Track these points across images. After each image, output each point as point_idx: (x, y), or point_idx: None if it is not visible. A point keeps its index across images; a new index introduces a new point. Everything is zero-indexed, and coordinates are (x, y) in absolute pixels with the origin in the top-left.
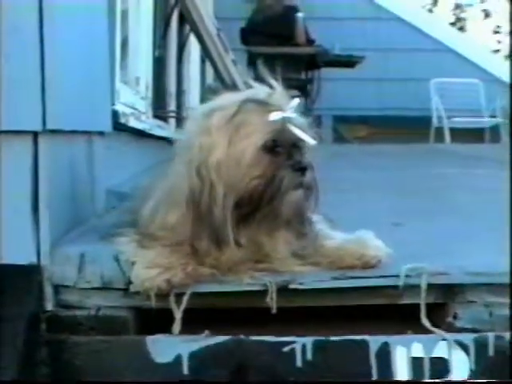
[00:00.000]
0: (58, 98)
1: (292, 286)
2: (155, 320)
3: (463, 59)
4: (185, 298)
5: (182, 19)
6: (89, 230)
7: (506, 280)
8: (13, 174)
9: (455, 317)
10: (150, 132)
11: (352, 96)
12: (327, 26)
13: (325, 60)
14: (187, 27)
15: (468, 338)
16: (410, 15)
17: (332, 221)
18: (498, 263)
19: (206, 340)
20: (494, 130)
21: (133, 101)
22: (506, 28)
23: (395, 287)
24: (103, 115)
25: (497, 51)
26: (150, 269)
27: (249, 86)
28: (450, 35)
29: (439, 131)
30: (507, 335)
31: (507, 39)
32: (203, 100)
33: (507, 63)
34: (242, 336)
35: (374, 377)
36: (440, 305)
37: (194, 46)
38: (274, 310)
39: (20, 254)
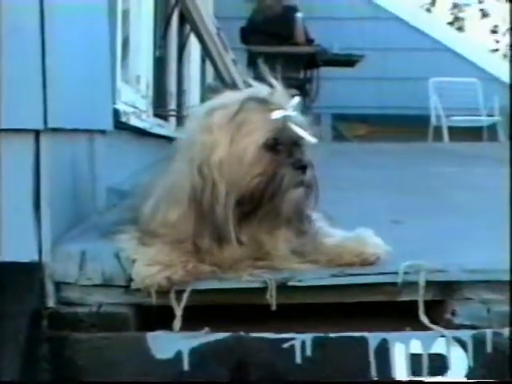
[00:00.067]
0: (59, 97)
1: (291, 283)
2: (156, 317)
3: (461, 58)
4: (185, 295)
5: (183, 19)
6: (90, 227)
7: (504, 277)
8: (14, 172)
9: (453, 314)
10: (151, 130)
11: (351, 95)
12: (326, 26)
13: (324, 59)
14: (187, 27)
15: (466, 335)
16: (408, 15)
17: (331, 218)
18: (495, 260)
19: (206, 336)
20: (492, 128)
21: (133, 99)
22: (503, 27)
23: (394, 284)
24: (104, 114)
25: (495, 51)
26: (150, 266)
27: (249, 85)
28: (448, 35)
29: (438, 130)
30: (505, 332)
31: (505, 39)
32: (203, 99)
33: (505, 62)
34: (241, 333)
35: (373, 373)
36: (438, 302)
37: (194, 46)
38: (274, 307)
39: (22, 252)
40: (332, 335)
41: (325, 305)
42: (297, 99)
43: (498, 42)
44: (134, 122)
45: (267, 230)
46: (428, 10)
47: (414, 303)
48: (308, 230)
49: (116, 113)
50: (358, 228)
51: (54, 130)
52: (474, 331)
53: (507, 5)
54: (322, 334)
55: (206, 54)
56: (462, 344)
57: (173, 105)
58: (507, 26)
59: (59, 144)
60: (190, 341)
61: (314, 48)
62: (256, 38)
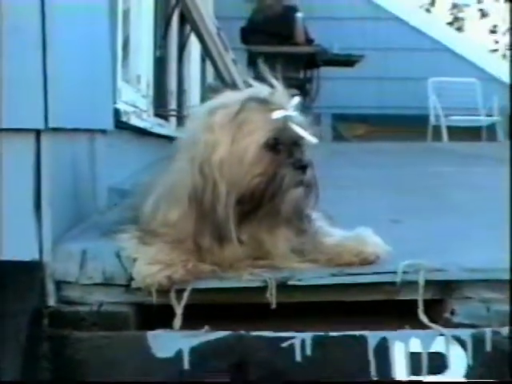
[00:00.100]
0: (59, 97)
1: (291, 282)
2: (156, 316)
3: (460, 58)
4: (185, 294)
5: (183, 19)
6: (91, 226)
7: (503, 276)
8: (15, 171)
9: (452, 312)
10: (151, 130)
11: (351, 95)
12: (326, 26)
13: (324, 59)
14: (188, 27)
15: (465, 334)
16: (408, 15)
17: (331, 218)
18: (495, 260)
19: (206, 335)
20: (491, 128)
21: (134, 99)
22: (502, 28)
23: (393, 283)
24: (105, 113)
25: (494, 51)
26: (151, 265)
27: (249, 85)
28: (448, 35)
29: (437, 129)
30: (504, 330)
31: (504, 39)
32: (203, 99)
33: (504, 62)
34: (241, 331)
35: (373, 372)
36: (437, 301)
37: (194, 46)
38: (274, 306)
39: (22, 251)
40: (332, 334)
41: (325, 304)
42: (297, 99)
43: (497, 42)
44: (134, 121)
45: (267, 229)
46: (428, 11)
47: (414, 302)
48: (308, 230)
49: (116, 112)
50: (358, 227)
51: (55, 129)
52: (473, 330)
53: (506, 5)
54: (322, 333)
55: (207, 53)
56: (462, 343)
57: (173, 104)
58: (506, 26)
59: (60, 144)
60: (191, 339)
61: (314, 48)
62: (256, 38)
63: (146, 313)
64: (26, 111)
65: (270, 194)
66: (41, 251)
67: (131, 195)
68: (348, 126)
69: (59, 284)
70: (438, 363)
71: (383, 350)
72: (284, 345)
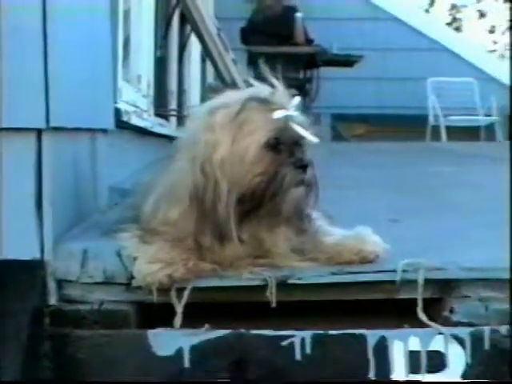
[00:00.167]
0: (61, 96)
1: (291, 281)
2: (157, 314)
3: (459, 59)
4: (186, 293)
5: (183, 19)
6: (91, 226)
7: (502, 275)
8: (16, 171)
9: (451, 311)
10: (152, 130)
11: (350, 95)
12: (326, 26)
13: (323, 59)
14: (188, 27)
15: (464, 332)
16: (407, 15)
17: (331, 217)
18: (493, 259)
19: (206, 334)
20: (490, 128)
21: (135, 99)
22: (501, 28)
23: (392, 282)
24: (106, 113)
25: (493, 51)
26: (151, 264)
27: (249, 85)
28: (447, 35)
29: (436, 129)
30: (502, 329)
31: (502, 39)
32: (204, 99)
33: (502, 63)
34: (241, 330)
35: (372, 370)
36: (436, 299)
37: (194, 46)
38: (274, 305)
39: (24, 250)
40: (331, 332)
41: (324, 302)
42: (298, 99)
43: (495, 42)
44: (135, 121)
45: (268, 228)
46: (426, 11)
47: (413, 301)
48: (308, 229)
49: (117, 112)
50: (357, 227)
51: (56, 128)
52: (471, 329)
53: (505, 5)
54: (322, 332)
55: (207, 53)
56: (460, 341)
57: (173, 104)
58: (505, 26)
59: (61, 143)
60: (191, 338)
61: (314, 48)
62: (256, 39)
63: (146, 311)
64: (28, 111)
65: (270, 193)
66: (42, 250)
67: (132, 194)
68: (347, 125)
69: (60, 283)
70: (437, 362)
71: (382, 348)
72: (284, 343)
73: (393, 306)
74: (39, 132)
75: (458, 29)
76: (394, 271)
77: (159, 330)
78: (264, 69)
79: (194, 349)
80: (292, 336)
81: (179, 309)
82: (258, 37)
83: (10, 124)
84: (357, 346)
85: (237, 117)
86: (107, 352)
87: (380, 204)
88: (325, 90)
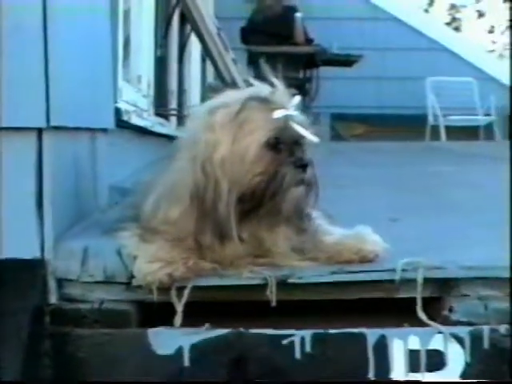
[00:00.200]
0: (61, 95)
1: (291, 280)
2: (157, 313)
3: (458, 58)
4: (186, 292)
5: (183, 19)
6: (92, 224)
7: (501, 274)
8: (17, 170)
9: (451, 310)
10: (152, 129)
11: (350, 94)
12: (325, 26)
13: (323, 59)
14: (188, 27)
15: (463, 331)
16: (406, 15)
17: (331, 216)
18: (493, 258)
19: (206, 332)
20: (489, 127)
21: (135, 99)
22: (500, 27)
23: (392, 281)
24: (106, 112)
25: (492, 51)
26: (151, 263)
27: (249, 85)
28: (446, 35)
29: (435, 129)
30: (502, 328)
31: (501, 38)
32: (204, 98)
33: (501, 62)
34: (241, 329)
35: (372, 369)
36: (436, 298)
37: (194, 46)
38: (274, 304)
39: (24, 249)
40: (331, 331)
41: (324, 301)
42: (297, 98)
43: (494, 42)
44: (135, 120)
45: (268, 227)
46: (426, 11)
47: (412, 300)
48: (308, 228)
49: (117, 111)
50: (357, 226)
51: (57, 128)
52: (471, 328)
53: (505, 5)
54: (322, 331)
55: (207, 53)
56: (460, 340)
57: (173, 104)
58: (504, 25)
59: (61, 142)
60: (191, 337)
61: (314, 48)
62: (256, 38)
63: (146, 310)
64: (28, 110)
65: (270, 192)
66: (42, 249)
67: (132, 194)
68: (347, 125)
69: (61, 282)
70: (436, 360)
71: (382, 347)
72: (284, 342)
73: (392, 305)
74: (40, 131)
75: (457, 29)
76: (394, 270)
77: (159, 329)
78: (265, 68)
79: (194, 348)
80: (292, 335)
81: (179, 308)
82: (258, 36)
83: (10, 123)
84: (357, 344)
85: (237, 116)
86: (107, 351)
87: (379, 203)
88: (324, 90)
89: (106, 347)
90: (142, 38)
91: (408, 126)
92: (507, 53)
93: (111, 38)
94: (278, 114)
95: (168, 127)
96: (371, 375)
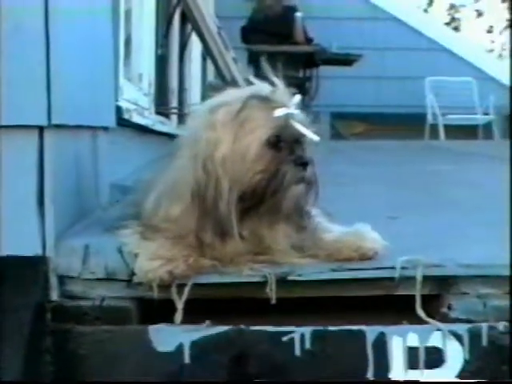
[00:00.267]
0: (63, 94)
1: (291, 278)
2: (158, 310)
3: (458, 58)
4: (186, 289)
5: (184, 18)
6: (93, 222)
7: (500, 272)
8: (18, 168)
9: (450, 308)
10: (153, 128)
11: (349, 93)
12: (325, 26)
13: (323, 58)
14: (189, 26)
15: (462, 329)
16: (405, 15)
17: (330, 214)
18: (491, 255)
19: (207, 330)
20: (487, 127)
21: (136, 97)
22: (499, 27)
23: (391, 279)
24: (107, 111)
25: (491, 51)
26: (152, 260)
27: (250, 83)
28: (445, 35)
29: (434, 128)
30: (500, 325)
31: (500, 38)
32: (204, 97)
33: (500, 62)
34: (242, 326)
35: (371, 366)
36: (435, 296)
37: (195, 45)
38: (274, 301)
39: (26, 246)
40: (331, 328)
41: (324, 299)
42: (298, 97)
43: (493, 42)
44: (136, 119)
45: (268, 225)
46: (425, 11)
47: (411, 297)
48: (307, 226)
49: (119, 110)
50: (356, 223)
51: (58, 126)
52: (469, 325)
53: (503, 4)
54: (321, 328)
55: (207, 52)
56: (458, 337)
57: (174, 102)
58: (503, 25)
59: (63, 140)
60: (191, 334)
61: (313, 47)
62: (256, 37)
63: (147, 307)
64: (30, 108)
65: (271, 190)
66: (44, 246)
67: (133, 192)
68: (346, 124)
69: (62, 279)
70: (435, 357)
71: (381, 344)
72: (284, 339)
73: (391, 303)
74: (41, 129)
75: (456, 28)
76: (393, 268)
77: (160, 326)
78: (265, 67)
79: (194, 344)
80: (292, 332)
81: (180, 305)
82: (259, 36)
83: (12, 121)
84: (356, 341)
85: (238, 115)
86: (108, 348)
87: (379, 201)
88: (324, 89)
89: (107, 344)
90: (143, 37)
91: (407, 124)
92: (506, 52)
93: (112, 37)
94: (279, 112)
95: (169, 125)
96: (370, 372)
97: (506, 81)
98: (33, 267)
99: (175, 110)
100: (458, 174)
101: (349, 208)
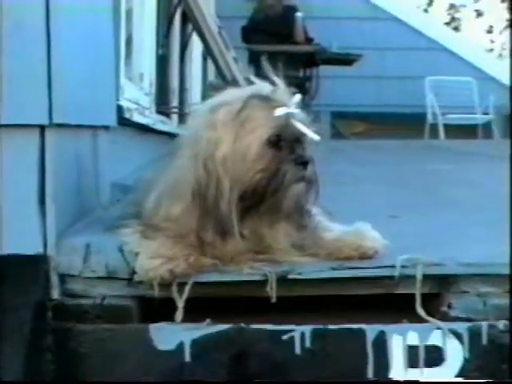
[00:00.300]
0: (64, 93)
1: (291, 276)
2: (158, 309)
3: (457, 58)
4: (187, 288)
5: (185, 18)
6: (94, 221)
7: (500, 270)
8: (20, 167)
9: (449, 306)
10: (154, 127)
11: (350, 93)
12: (325, 25)
13: (323, 58)
14: (190, 26)
15: (462, 327)
16: (406, 15)
17: (331, 213)
18: (491, 254)
19: (207, 328)
20: (487, 126)
21: (137, 96)
22: (499, 27)
23: (391, 277)
24: (108, 110)
25: (491, 50)
26: (153, 259)
27: (250, 83)
28: (445, 34)
29: (434, 127)
30: (500, 324)
31: (500, 38)
32: (205, 97)
33: (500, 62)
34: (242, 324)
35: (371, 365)
36: (435, 295)
37: (196, 45)
38: (274, 300)
39: (27, 245)
40: (331, 327)
41: (324, 297)
42: (298, 96)
43: (493, 41)
44: (137, 118)
45: (268, 223)
46: (425, 11)
47: (411, 296)
48: (308, 225)
49: (119, 109)
50: (357, 222)
51: (59, 125)
52: (469, 324)
53: (503, 4)
54: (321, 326)
55: (208, 52)
56: (458, 336)
57: (175, 102)
58: (503, 25)
59: (64, 139)
60: (192, 332)
61: (314, 47)
62: (257, 37)
63: (148, 306)
64: (31, 107)
65: (272, 189)
66: (45, 245)
67: (134, 191)
68: (347, 123)
69: (63, 277)
70: (435, 356)
71: (381, 343)
72: (284, 337)
73: (392, 301)
74: (42, 128)
75: (456, 28)
76: (393, 267)
77: (161, 325)
78: (266, 66)
79: (194, 343)
80: (292, 330)
81: (180, 303)
82: (259, 35)
83: (13, 120)
84: (356, 340)
85: (238, 114)
86: (109, 346)
87: (379, 200)
88: (324, 89)
89: (108, 342)
90: (144, 36)
91: (407, 124)
92: (506, 52)
93: (113, 36)
94: (279, 111)
95: (169, 125)
96: (370, 371)
97: (505, 80)
98: (34, 266)
99: (176, 110)
100: (458, 173)
101: (349, 207)
